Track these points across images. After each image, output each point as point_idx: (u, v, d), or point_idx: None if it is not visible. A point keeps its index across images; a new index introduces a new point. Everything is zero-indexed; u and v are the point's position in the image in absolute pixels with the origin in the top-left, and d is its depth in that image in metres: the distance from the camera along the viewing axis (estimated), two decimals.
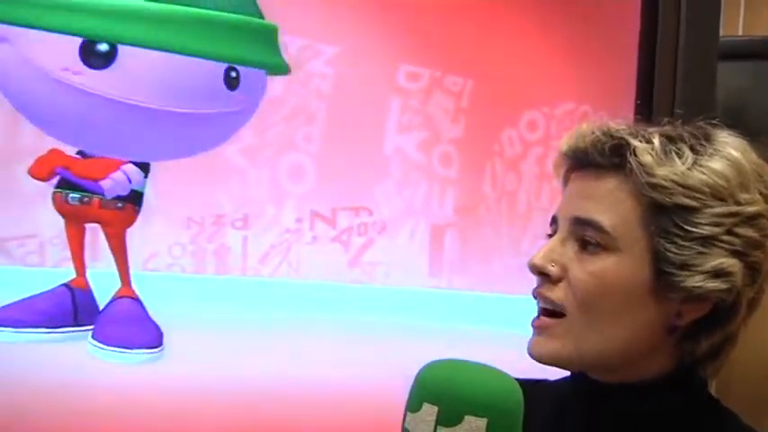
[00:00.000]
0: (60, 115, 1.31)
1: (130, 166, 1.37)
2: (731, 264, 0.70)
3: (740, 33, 2.17)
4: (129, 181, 1.37)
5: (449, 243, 1.49)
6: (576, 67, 1.51)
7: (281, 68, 1.40)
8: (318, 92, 1.44)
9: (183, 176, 1.40)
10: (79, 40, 1.26)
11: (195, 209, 1.41)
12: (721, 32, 2.09)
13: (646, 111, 1.47)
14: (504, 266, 1.50)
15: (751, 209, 0.71)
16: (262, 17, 1.37)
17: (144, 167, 1.39)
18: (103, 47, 1.26)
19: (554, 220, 0.77)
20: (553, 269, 0.73)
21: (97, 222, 1.39)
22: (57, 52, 1.26)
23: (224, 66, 1.34)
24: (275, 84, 1.41)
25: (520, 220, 1.51)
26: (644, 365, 0.74)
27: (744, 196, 0.71)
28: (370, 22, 1.45)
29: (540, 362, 0.75)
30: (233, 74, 1.35)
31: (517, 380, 0.66)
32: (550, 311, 0.74)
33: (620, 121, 0.75)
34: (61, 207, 1.38)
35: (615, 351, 0.73)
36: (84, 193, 1.37)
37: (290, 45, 1.40)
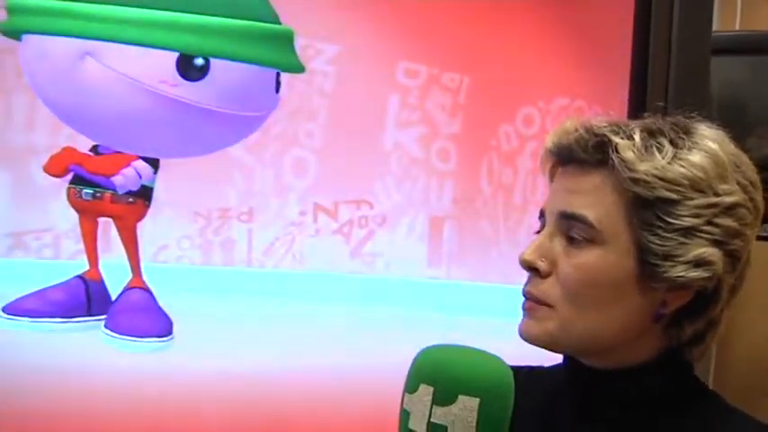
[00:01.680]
0: (145, 125, 1.36)
1: (141, 162, 1.41)
2: (712, 253, 0.71)
3: (737, 28, 2.18)
4: (140, 176, 1.41)
5: (447, 235, 1.52)
6: (571, 63, 1.53)
7: (302, 68, 1.46)
8: (320, 89, 1.46)
9: (190, 172, 1.43)
10: (175, 55, 1.32)
11: (202, 203, 1.44)
12: (719, 26, 2.10)
13: (639, 106, 1.49)
14: (501, 257, 1.52)
15: (729, 199, 0.72)
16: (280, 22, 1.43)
17: (153, 163, 1.43)
18: (199, 61, 1.33)
19: (542, 214, 0.79)
20: (542, 264, 0.75)
21: (109, 216, 1.42)
22: (154, 66, 1.32)
23: (275, 72, 1.42)
24: None
25: (516, 213, 1.53)
26: (632, 351, 0.75)
27: (722, 187, 0.72)
28: (370, 22, 1.47)
29: (530, 342, 0.77)
30: (279, 78, 1.44)
31: (513, 366, 0.68)
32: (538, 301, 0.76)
33: (602, 118, 0.76)
34: (75, 202, 1.41)
35: (602, 339, 0.75)
36: (96, 189, 1.41)
37: None
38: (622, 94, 1.53)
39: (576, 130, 0.75)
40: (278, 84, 1.43)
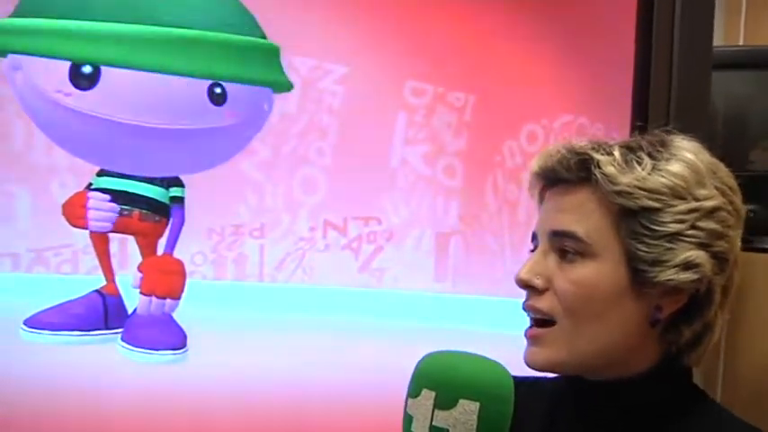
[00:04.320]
0: (64, 132, 1.37)
1: None
2: (698, 255, 0.74)
3: (741, 42, 2.20)
4: None
5: (453, 250, 1.55)
6: (573, 81, 1.56)
7: (277, 84, 1.43)
8: (330, 108, 1.50)
9: (204, 190, 1.47)
10: (68, 64, 1.32)
11: (216, 220, 1.47)
12: (722, 41, 2.11)
13: (641, 121, 1.51)
14: (506, 272, 1.55)
15: (709, 203, 0.75)
16: (264, 37, 1.42)
17: (179, 182, 1.46)
18: (87, 69, 1.32)
19: (534, 237, 0.81)
20: (538, 281, 0.77)
21: (133, 234, 1.45)
22: (52, 75, 1.33)
23: (206, 83, 1.38)
24: (289, 102, 1.48)
25: (520, 228, 1.55)
26: (633, 360, 0.78)
27: (702, 192, 0.75)
28: (377, 43, 1.51)
29: (536, 369, 0.79)
30: (217, 90, 1.38)
31: (516, 378, 0.71)
32: (541, 321, 0.78)
33: (582, 138, 0.80)
34: None
35: (605, 349, 0.77)
36: (123, 207, 1.43)
37: (301, 66, 1.47)
38: (624, 111, 1.55)
39: (559, 152, 0.79)
40: (213, 95, 1.37)
